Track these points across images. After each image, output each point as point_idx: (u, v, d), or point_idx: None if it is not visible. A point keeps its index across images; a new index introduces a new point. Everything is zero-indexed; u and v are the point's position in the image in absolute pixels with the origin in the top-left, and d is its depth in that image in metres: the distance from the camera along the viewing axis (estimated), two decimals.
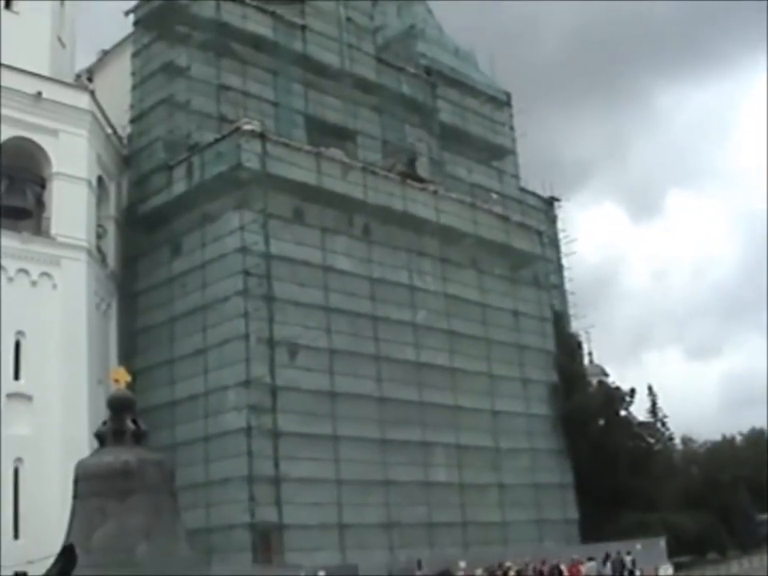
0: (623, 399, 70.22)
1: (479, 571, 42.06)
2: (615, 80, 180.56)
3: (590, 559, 50.74)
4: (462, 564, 43.60)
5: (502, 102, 75.27)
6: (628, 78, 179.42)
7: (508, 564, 44.69)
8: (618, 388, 72.04)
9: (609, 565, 51.47)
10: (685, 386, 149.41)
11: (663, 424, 75.86)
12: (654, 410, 75.44)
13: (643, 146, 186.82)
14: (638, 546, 53.12)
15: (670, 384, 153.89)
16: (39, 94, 50.25)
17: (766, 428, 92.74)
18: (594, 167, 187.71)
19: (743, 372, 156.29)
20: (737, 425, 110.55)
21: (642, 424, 72.68)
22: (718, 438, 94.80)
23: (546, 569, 45.69)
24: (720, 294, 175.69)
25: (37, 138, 50.71)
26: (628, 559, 52.24)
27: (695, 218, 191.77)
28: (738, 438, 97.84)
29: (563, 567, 46.10)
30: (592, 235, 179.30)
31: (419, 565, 43.42)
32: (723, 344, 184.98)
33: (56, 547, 35.01)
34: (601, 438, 65.47)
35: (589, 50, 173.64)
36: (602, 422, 68.75)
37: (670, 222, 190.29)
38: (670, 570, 56.59)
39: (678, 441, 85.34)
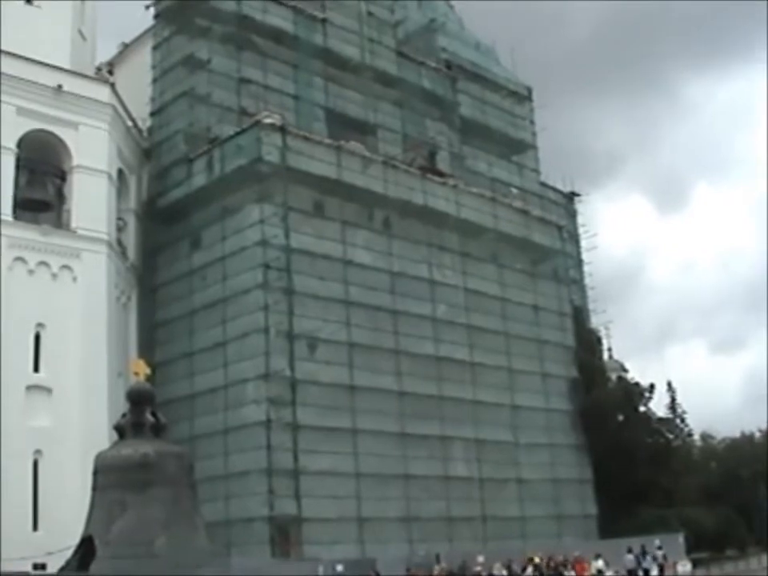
0: (642, 395, 70.05)
1: (497, 565, 41.97)
2: (642, 71, 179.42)
3: (629, 551, 50.87)
4: (481, 558, 43.58)
5: (523, 96, 75.00)
6: (655, 69, 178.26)
7: (537, 560, 44.30)
8: (637, 383, 71.84)
9: (649, 558, 51.55)
10: (708, 380, 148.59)
11: (682, 420, 75.56)
12: (673, 405, 75.12)
13: (671, 137, 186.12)
14: (657, 542, 52.98)
15: (693, 378, 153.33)
16: (60, 86, 50.41)
17: None
18: (622, 159, 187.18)
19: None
20: (759, 420, 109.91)
21: (661, 420, 72.40)
22: (737, 434, 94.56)
23: (552, 564, 45.35)
24: (746, 287, 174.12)
25: (57, 130, 50.87)
26: (659, 554, 52.40)
27: (722, 210, 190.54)
28: (758, 435, 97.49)
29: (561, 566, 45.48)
30: (618, 228, 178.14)
31: (438, 559, 43.44)
32: (748, 337, 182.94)
33: (75, 539, 35.10)
34: (620, 434, 65.33)
35: (615, 42, 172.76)
36: (621, 417, 68.59)
37: (696, 214, 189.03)
38: (689, 566, 56.41)
39: (697, 437, 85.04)
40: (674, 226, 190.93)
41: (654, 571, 51.80)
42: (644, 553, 51.34)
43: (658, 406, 73.21)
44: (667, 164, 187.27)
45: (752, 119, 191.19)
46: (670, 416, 74.55)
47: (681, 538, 58.32)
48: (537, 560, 41.86)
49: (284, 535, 47.16)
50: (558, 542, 55.81)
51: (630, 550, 51.11)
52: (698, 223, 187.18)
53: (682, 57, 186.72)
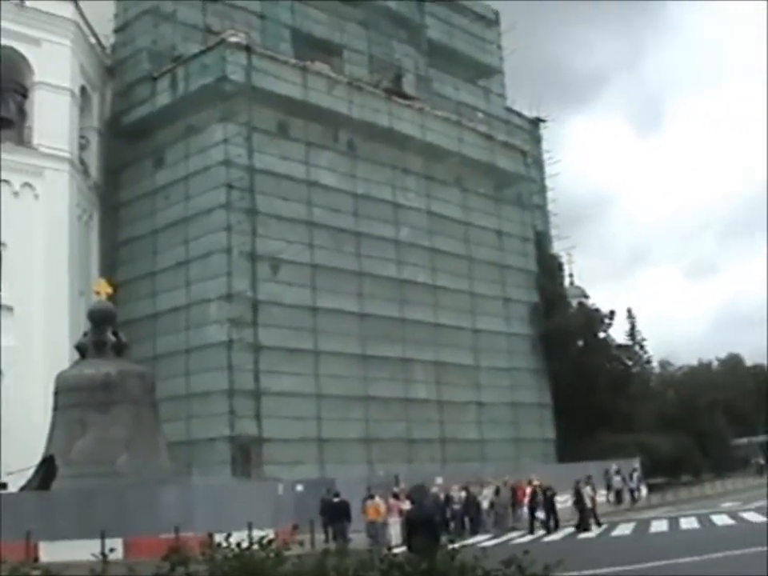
0: (602, 321, 70.64)
1: (455, 487, 42.38)
2: None
3: (617, 473, 53.02)
4: (439, 480, 43.92)
5: (491, 20, 74.56)
6: None
7: (536, 482, 43.47)
8: (597, 309, 72.42)
9: (635, 476, 54.82)
10: (678, 306, 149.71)
11: (641, 347, 76.36)
12: (632, 332, 75.92)
13: (654, 58, 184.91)
14: (614, 467, 53.73)
15: (663, 305, 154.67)
16: (22, 1, 49.72)
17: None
18: (600, 83, 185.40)
19: (737, 295, 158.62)
20: (724, 345, 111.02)
21: (620, 346, 73.20)
22: (695, 362, 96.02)
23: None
24: (723, 213, 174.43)
25: (19, 46, 50.28)
26: (635, 476, 54.19)
27: (700, 135, 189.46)
28: (715, 363, 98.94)
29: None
30: (595, 151, 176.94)
31: (396, 480, 43.81)
32: (722, 264, 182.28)
33: (36, 458, 35.12)
34: (580, 359, 65.89)
35: None
36: (581, 342, 69.17)
37: (676, 140, 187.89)
38: (644, 491, 57.29)
39: (655, 364, 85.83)
40: (652, 150, 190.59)
41: (643, 491, 54.46)
42: (631, 474, 53.32)
43: (620, 333, 74.17)
44: (647, 87, 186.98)
45: (735, 43, 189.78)
46: (630, 343, 75.39)
47: (637, 464, 59.18)
48: (536, 482, 41.91)
49: (245, 455, 47.53)
50: (516, 464, 56.35)
51: (617, 471, 52.48)
52: (678, 149, 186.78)
53: None
